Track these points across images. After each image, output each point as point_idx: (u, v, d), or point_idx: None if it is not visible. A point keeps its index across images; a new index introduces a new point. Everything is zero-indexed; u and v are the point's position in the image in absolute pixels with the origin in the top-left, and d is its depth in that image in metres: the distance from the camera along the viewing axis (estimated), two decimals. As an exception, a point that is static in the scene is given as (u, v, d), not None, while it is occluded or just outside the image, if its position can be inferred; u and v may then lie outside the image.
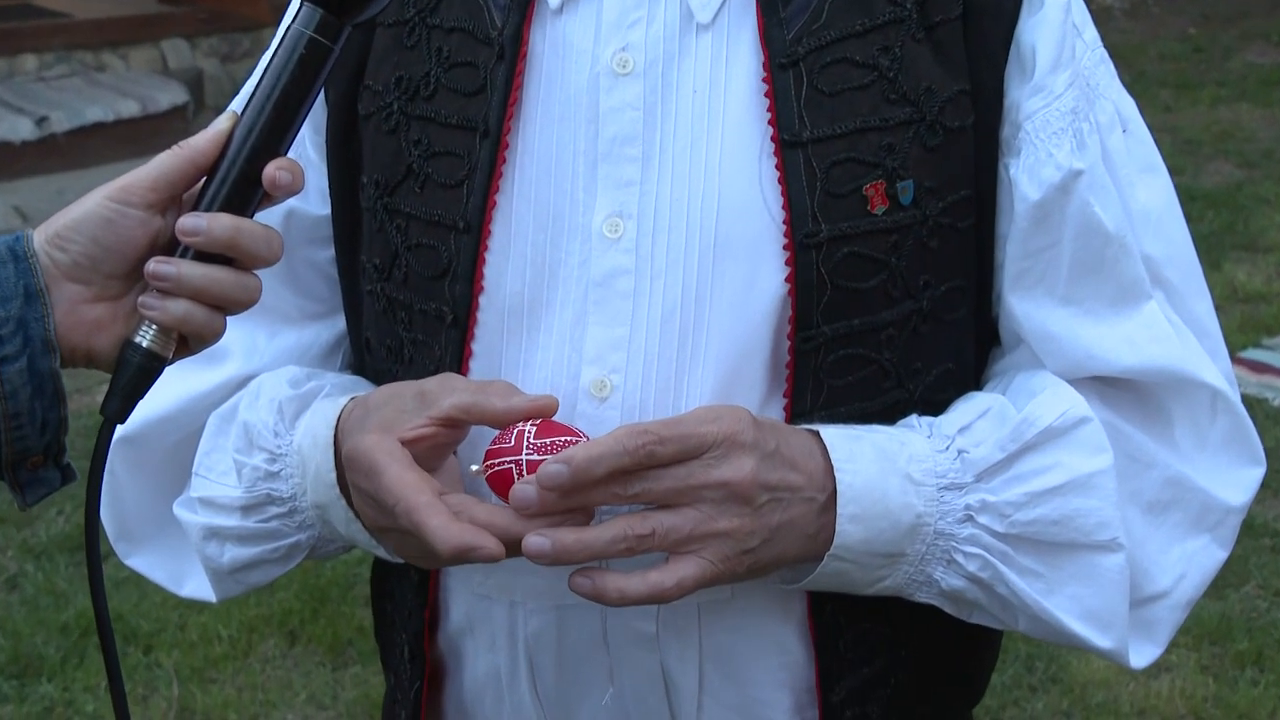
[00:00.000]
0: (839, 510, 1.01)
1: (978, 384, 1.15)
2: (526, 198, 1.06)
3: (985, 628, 1.14)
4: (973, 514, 1.04)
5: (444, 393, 1.01)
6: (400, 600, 1.21)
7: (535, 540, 0.95)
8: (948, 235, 1.07)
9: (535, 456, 0.97)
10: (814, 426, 1.04)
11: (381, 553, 1.11)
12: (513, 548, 0.97)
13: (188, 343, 0.96)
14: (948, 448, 1.05)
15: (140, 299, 0.94)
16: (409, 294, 1.10)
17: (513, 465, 0.98)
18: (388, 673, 1.27)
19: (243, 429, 1.14)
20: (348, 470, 1.04)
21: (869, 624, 1.11)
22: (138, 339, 0.94)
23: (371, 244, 1.13)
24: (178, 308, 0.93)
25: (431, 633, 1.19)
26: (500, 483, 0.99)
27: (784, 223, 1.03)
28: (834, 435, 1.03)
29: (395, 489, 0.97)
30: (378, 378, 1.17)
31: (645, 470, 0.97)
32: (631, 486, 0.97)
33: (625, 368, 1.04)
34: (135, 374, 0.95)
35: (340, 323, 1.23)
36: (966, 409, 1.08)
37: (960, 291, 1.10)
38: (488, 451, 1.00)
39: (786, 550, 1.01)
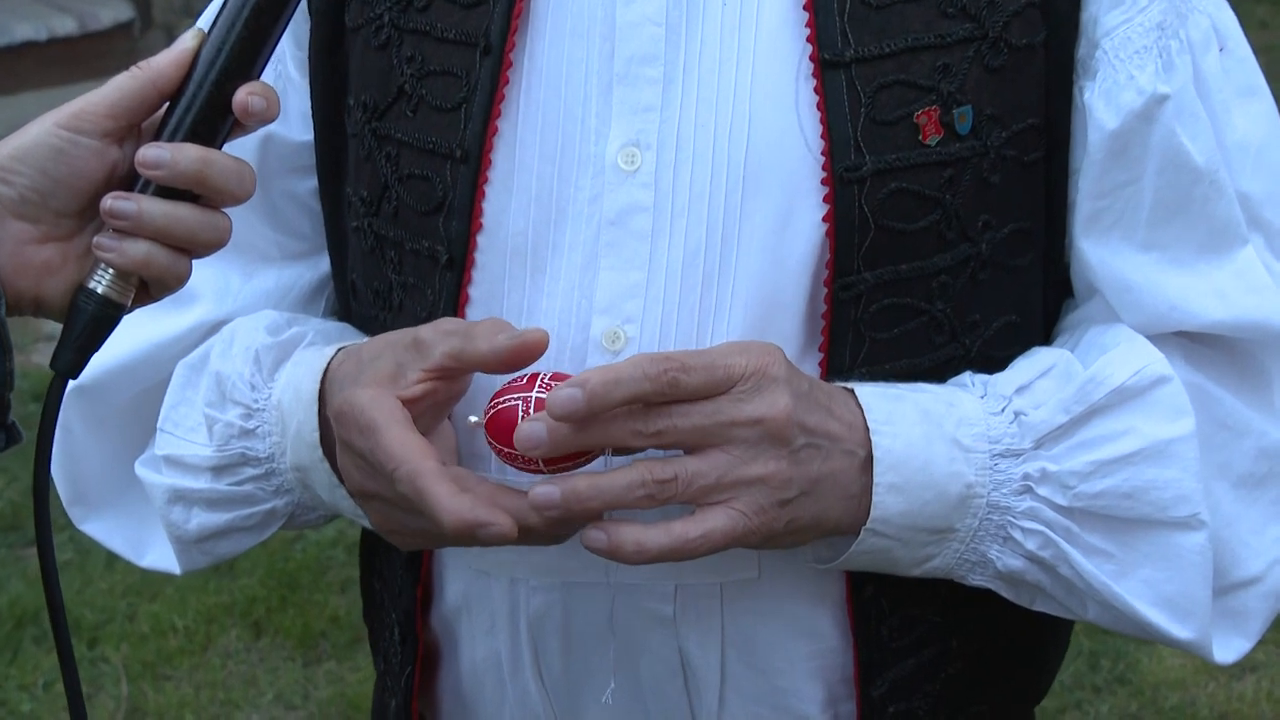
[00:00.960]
0: (876, 479, 1.02)
1: (1047, 340, 1.16)
2: (532, 124, 1.07)
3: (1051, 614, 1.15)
4: (1031, 485, 1.05)
5: (437, 339, 1.02)
6: (390, 577, 1.23)
7: (543, 489, 0.97)
8: (1012, 170, 1.08)
9: (546, 395, 0.98)
10: (849, 384, 1.06)
11: (368, 522, 1.13)
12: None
13: (148, 289, 0.98)
14: (1003, 410, 1.06)
15: (95, 239, 0.95)
16: (399, 231, 1.12)
17: (520, 401, 0.99)
18: (377, 658, 1.29)
19: (215, 380, 1.16)
20: (337, 426, 1.05)
21: (916, 609, 1.13)
22: (92, 284, 0.96)
23: (358, 174, 1.15)
24: (137, 249, 0.95)
25: (424, 612, 1.22)
26: (502, 425, 0.99)
27: (822, 154, 1.04)
28: (871, 394, 1.04)
29: (396, 451, 0.98)
30: (365, 325, 1.18)
31: (668, 406, 0.98)
32: (653, 423, 0.98)
33: (641, 318, 1.06)
34: (89, 324, 0.96)
35: (324, 263, 1.25)
36: (1027, 366, 1.09)
37: (1025, 235, 1.11)
38: (492, 398, 1.01)
39: (828, 511, 1.02)
